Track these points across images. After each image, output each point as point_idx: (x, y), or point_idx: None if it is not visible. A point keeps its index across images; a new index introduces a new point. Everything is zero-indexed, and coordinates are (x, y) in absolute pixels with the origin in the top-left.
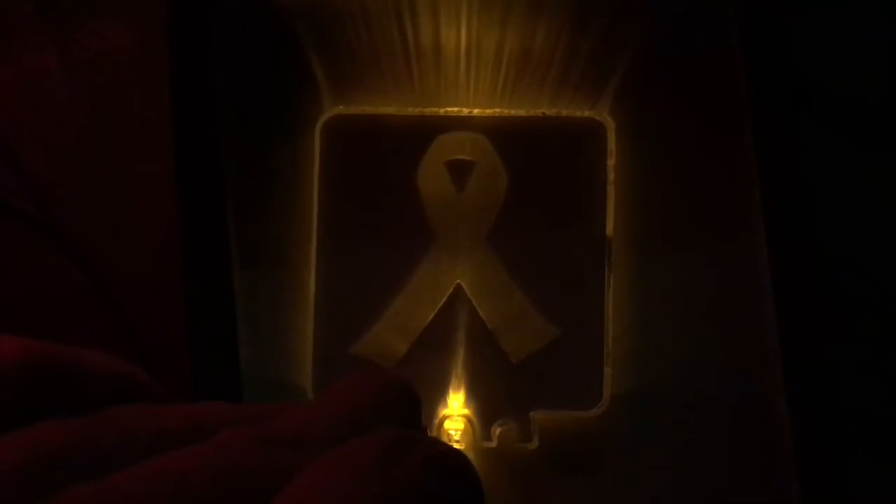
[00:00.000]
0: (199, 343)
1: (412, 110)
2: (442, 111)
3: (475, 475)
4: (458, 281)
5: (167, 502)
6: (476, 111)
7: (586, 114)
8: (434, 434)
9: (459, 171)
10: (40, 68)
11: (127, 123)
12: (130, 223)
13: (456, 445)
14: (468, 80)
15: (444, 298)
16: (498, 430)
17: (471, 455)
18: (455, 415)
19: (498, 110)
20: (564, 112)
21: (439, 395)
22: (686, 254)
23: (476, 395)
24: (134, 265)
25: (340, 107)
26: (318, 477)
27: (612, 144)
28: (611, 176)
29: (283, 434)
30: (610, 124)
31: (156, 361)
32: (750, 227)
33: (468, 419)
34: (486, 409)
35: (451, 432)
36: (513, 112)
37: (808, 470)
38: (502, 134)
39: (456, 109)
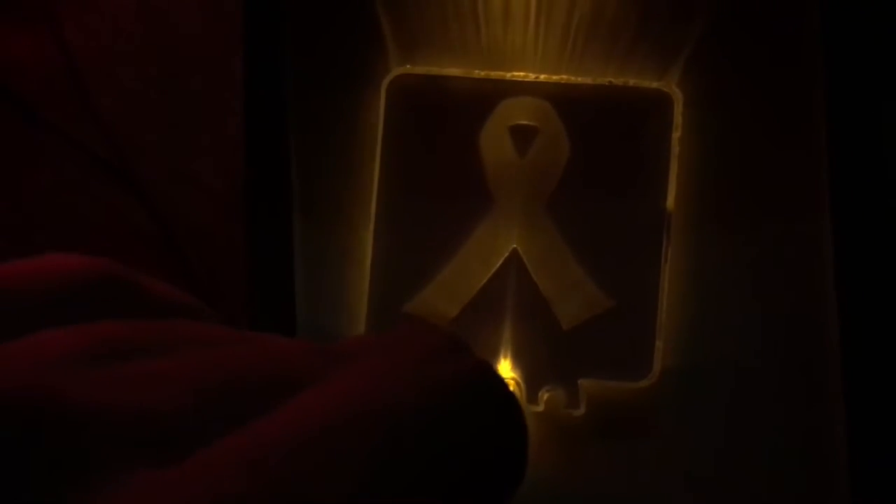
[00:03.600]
0: (256, 293)
1: (478, 73)
2: (508, 75)
3: (518, 408)
4: (515, 246)
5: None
6: (542, 77)
7: (654, 85)
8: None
9: (522, 136)
10: (117, 14)
11: (197, 73)
12: (196, 171)
13: None
14: (536, 45)
15: (500, 262)
16: (546, 395)
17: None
18: (504, 372)
19: (564, 77)
20: (632, 82)
21: (489, 358)
22: (746, 232)
23: (525, 360)
24: (198, 213)
25: (407, 66)
26: (359, 367)
27: (678, 117)
28: (675, 149)
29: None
30: (678, 96)
31: (212, 309)
32: (815, 208)
33: (517, 382)
34: (534, 374)
35: None
36: (579, 79)
37: (859, 457)
38: (567, 101)
39: (522, 74)
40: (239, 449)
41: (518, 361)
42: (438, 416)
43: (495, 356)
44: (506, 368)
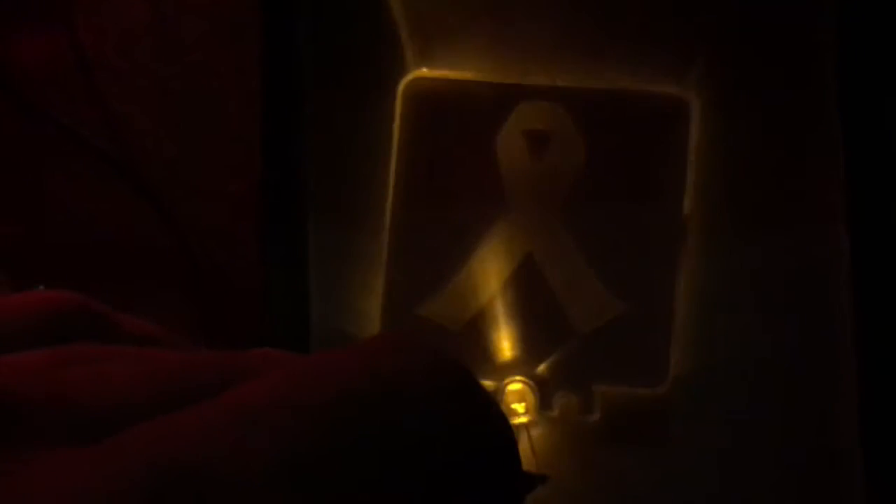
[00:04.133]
0: (270, 295)
1: (495, 77)
2: (524, 80)
3: (487, 405)
4: (530, 250)
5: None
6: (559, 82)
7: (671, 90)
8: (498, 395)
9: (538, 140)
10: (131, 16)
11: (213, 75)
12: (211, 173)
13: (517, 411)
14: (552, 50)
15: (514, 267)
16: (560, 401)
17: (532, 422)
18: (518, 382)
19: (581, 82)
20: (648, 87)
21: (503, 362)
22: (762, 238)
23: (540, 364)
24: (212, 215)
25: (424, 69)
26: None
27: (695, 123)
28: (692, 155)
29: None
30: (694, 102)
31: (226, 311)
32: (831, 215)
33: (531, 387)
34: (548, 379)
35: (514, 405)
36: (596, 84)
37: (873, 466)
38: (584, 106)
39: (538, 79)
40: (152, 429)
41: (532, 366)
42: (382, 403)
43: (509, 359)
44: (521, 371)
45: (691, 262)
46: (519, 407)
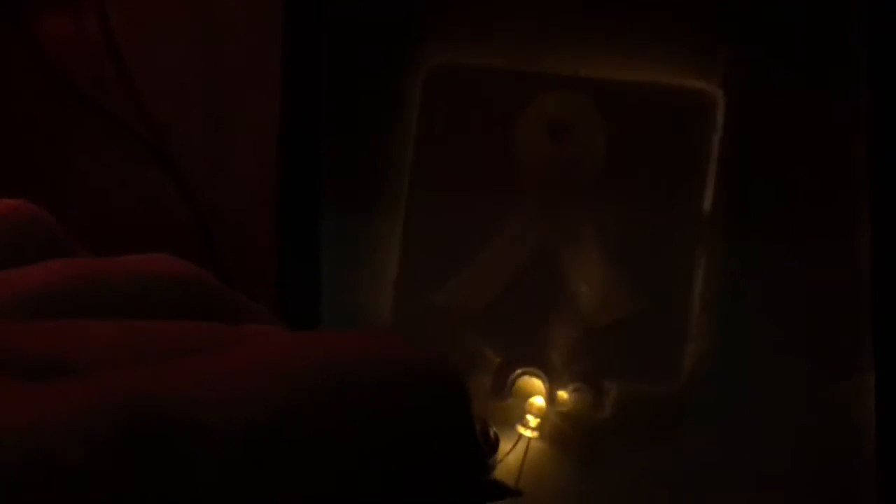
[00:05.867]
0: (284, 279)
1: (517, 65)
2: (547, 69)
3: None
4: (546, 241)
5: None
6: (582, 72)
7: (695, 84)
8: (508, 390)
9: (559, 130)
10: (161, 5)
11: (237, 65)
12: (232, 159)
13: (529, 423)
14: (577, 40)
15: (530, 258)
16: (572, 395)
17: (543, 416)
18: (530, 373)
19: (604, 73)
20: (673, 81)
21: (516, 353)
22: (782, 239)
23: (553, 357)
24: (230, 198)
25: (445, 56)
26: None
27: (720, 119)
28: (715, 151)
29: None
30: (720, 98)
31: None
32: (854, 216)
33: (543, 379)
34: (561, 372)
35: (530, 403)
36: (620, 76)
37: (889, 467)
38: (607, 97)
39: (561, 68)
40: (137, 371)
41: (544, 359)
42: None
43: (522, 351)
44: (534, 363)
45: (709, 259)
46: (532, 421)
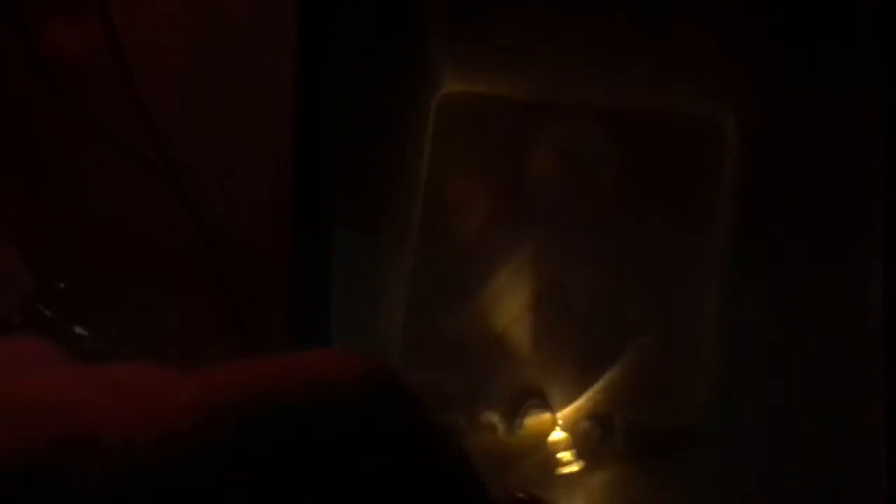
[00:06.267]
0: (294, 302)
1: (530, 94)
2: (560, 98)
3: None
4: (556, 269)
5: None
6: (593, 100)
7: (706, 113)
8: (517, 422)
9: (570, 158)
10: (166, 13)
11: (248, 81)
12: (242, 177)
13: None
14: (587, 69)
15: (540, 285)
16: (582, 429)
17: (548, 443)
18: (539, 404)
19: (616, 101)
20: (684, 110)
21: (524, 382)
22: (794, 267)
23: (562, 387)
24: (241, 220)
25: (458, 84)
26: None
27: (731, 146)
28: (727, 178)
29: None
30: (730, 126)
31: (249, 316)
32: (868, 242)
33: (551, 409)
34: (570, 402)
35: (554, 443)
36: (631, 104)
37: None
38: (618, 125)
39: (572, 97)
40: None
41: (555, 387)
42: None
43: (530, 380)
44: (542, 393)
45: (720, 289)
46: (566, 456)
